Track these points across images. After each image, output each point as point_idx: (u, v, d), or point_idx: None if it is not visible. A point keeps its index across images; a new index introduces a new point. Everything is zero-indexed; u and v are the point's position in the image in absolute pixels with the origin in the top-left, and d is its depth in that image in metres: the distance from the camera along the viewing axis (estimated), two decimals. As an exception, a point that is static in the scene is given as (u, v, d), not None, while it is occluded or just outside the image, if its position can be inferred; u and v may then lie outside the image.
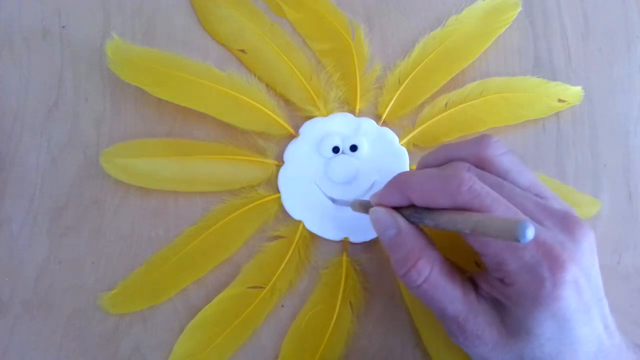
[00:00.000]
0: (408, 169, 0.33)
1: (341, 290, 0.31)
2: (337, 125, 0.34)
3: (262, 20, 0.35)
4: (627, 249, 0.34)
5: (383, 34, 0.36)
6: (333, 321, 0.31)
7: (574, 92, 0.35)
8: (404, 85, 0.34)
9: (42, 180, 0.33)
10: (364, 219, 0.33)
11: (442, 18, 0.35)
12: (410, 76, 0.34)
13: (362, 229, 0.33)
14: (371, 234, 0.33)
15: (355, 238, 0.33)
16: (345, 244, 0.33)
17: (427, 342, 0.31)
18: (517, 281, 0.23)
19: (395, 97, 0.34)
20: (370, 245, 0.33)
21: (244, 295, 0.31)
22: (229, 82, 0.33)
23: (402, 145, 0.34)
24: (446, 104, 0.34)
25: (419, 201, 0.25)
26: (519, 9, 0.36)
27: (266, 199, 0.33)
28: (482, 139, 0.26)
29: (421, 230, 0.26)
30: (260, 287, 0.31)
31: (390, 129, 0.34)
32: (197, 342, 0.31)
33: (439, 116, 0.34)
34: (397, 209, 0.27)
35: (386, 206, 0.27)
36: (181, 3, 0.36)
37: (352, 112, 0.34)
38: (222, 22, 0.35)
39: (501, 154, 0.26)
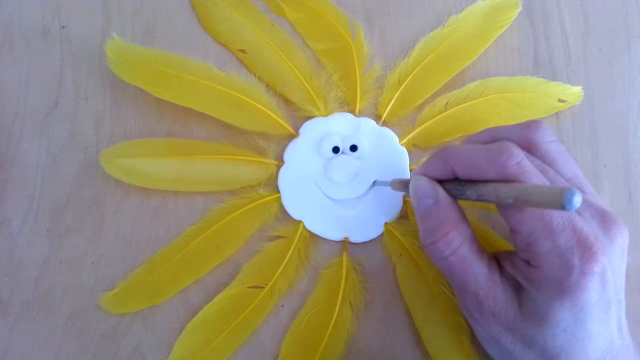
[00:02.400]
0: (408, 169, 0.33)
1: (341, 290, 0.31)
2: (337, 125, 0.34)
3: (262, 20, 0.35)
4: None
5: (383, 34, 0.36)
6: (333, 321, 0.31)
7: (574, 92, 0.35)
8: (404, 85, 0.34)
9: (42, 180, 0.33)
10: (364, 218, 0.33)
11: (442, 18, 0.35)
12: (410, 76, 0.34)
13: (362, 229, 0.33)
14: (371, 234, 0.33)
15: (355, 238, 0.33)
16: (345, 244, 0.33)
17: (427, 342, 0.31)
18: (544, 264, 0.23)
19: (395, 97, 0.34)
20: (370, 245, 0.33)
21: (244, 295, 0.31)
22: (229, 82, 0.33)
23: (402, 145, 0.34)
24: (446, 104, 0.34)
25: (463, 173, 0.25)
26: (519, 9, 0.36)
27: (266, 199, 0.33)
28: (531, 123, 0.26)
29: (458, 204, 0.26)
30: (260, 287, 0.31)
31: (390, 129, 0.34)
32: (197, 342, 0.31)
33: (439, 116, 0.34)
34: (439, 182, 0.26)
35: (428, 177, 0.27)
36: (181, 3, 0.36)
37: (352, 112, 0.34)
38: (222, 22, 0.35)
39: (550, 141, 0.26)
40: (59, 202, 0.33)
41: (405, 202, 0.33)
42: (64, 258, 0.33)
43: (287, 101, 0.34)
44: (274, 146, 0.34)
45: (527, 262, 0.24)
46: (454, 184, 0.26)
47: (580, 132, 0.35)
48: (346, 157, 0.33)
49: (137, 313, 0.32)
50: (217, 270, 0.32)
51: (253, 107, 0.33)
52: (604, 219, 0.24)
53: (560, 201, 0.18)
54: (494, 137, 0.27)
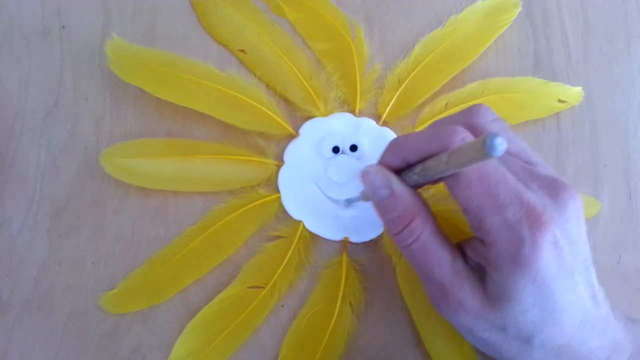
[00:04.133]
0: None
1: (341, 290, 0.31)
2: (337, 125, 0.34)
3: (262, 20, 0.35)
4: (627, 249, 0.34)
5: (383, 34, 0.36)
6: (333, 321, 0.31)
7: (574, 92, 0.35)
8: (404, 85, 0.34)
9: (42, 180, 0.33)
10: (364, 218, 0.33)
11: (442, 18, 0.35)
12: (410, 76, 0.34)
13: (362, 229, 0.33)
14: (371, 234, 0.33)
15: (355, 238, 0.33)
16: (345, 244, 0.33)
17: (427, 342, 0.31)
18: (497, 240, 0.23)
19: (395, 97, 0.34)
20: (370, 245, 0.33)
21: (244, 295, 0.31)
22: (229, 82, 0.33)
23: (402, 145, 0.34)
24: (446, 104, 0.34)
25: (413, 157, 0.25)
26: (519, 9, 0.36)
27: (266, 199, 0.33)
28: (472, 107, 0.26)
29: (415, 191, 0.26)
30: (260, 287, 0.31)
31: (390, 129, 0.34)
32: (197, 342, 0.31)
33: (439, 116, 0.34)
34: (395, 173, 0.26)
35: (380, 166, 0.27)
36: (181, 3, 0.36)
37: (352, 112, 0.34)
38: (222, 22, 0.35)
39: (492, 120, 0.26)
40: (59, 202, 0.33)
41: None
42: (64, 258, 0.33)
43: (287, 101, 0.34)
44: (274, 146, 0.34)
45: (482, 241, 0.24)
46: (407, 170, 0.26)
47: (580, 132, 0.35)
48: (346, 157, 0.33)
49: (137, 313, 0.32)
50: (217, 270, 0.32)
51: (253, 107, 0.33)
52: (553, 188, 0.24)
53: (485, 148, 0.18)
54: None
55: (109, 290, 0.32)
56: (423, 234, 0.25)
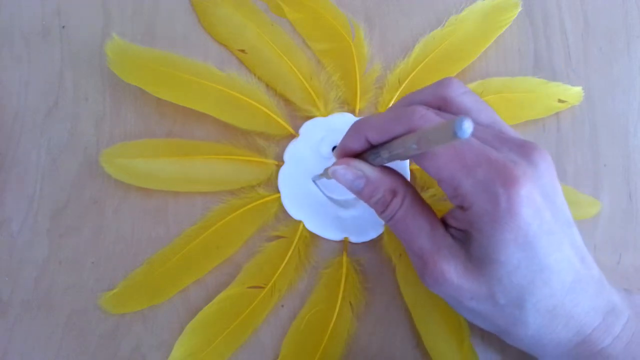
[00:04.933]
0: (408, 168, 0.33)
1: (341, 290, 0.31)
2: (337, 125, 0.34)
3: (262, 20, 0.35)
4: (627, 249, 0.34)
5: (383, 34, 0.36)
6: (333, 321, 0.31)
7: (574, 92, 0.35)
8: (404, 85, 0.34)
9: (42, 180, 0.33)
10: (364, 218, 0.33)
11: (442, 18, 0.35)
12: (410, 76, 0.34)
13: (362, 229, 0.33)
14: (371, 234, 0.33)
15: (355, 238, 0.33)
16: (345, 244, 0.33)
17: (427, 342, 0.31)
18: (473, 202, 0.23)
19: (395, 97, 0.34)
20: (370, 245, 0.33)
21: (244, 295, 0.31)
22: (229, 82, 0.33)
23: (402, 145, 0.34)
24: (446, 104, 0.34)
25: (376, 138, 0.25)
26: (519, 9, 0.36)
27: (266, 199, 0.33)
28: (443, 80, 0.27)
29: (387, 168, 0.26)
30: (260, 287, 0.31)
31: (390, 129, 0.34)
32: (197, 342, 0.31)
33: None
34: (358, 156, 0.27)
35: (345, 157, 0.27)
36: (181, 3, 0.36)
37: (352, 112, 0.34)
38: (222, 22, 0.35)
39: (462, 93, 0.26)
40: (59, 202, 0.33)
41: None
42: (64, 258, 0.33)
43: (287, 101, 0.34)
44: (274, 146, 0.34)
45: (461, 208, 0.24)
46: (370, 151, 0.26)
47: (580, 132, 0.35)
48: (346, 157, 0.33)
49: (137, 313, 0.32)
50: (217, 270, 0.32)
51: (253, 107, 0.33)
52: (524, 149, 0.24)
53: (453, 130, 0.18)
54: (410, 102, 0.27)
55: (109, 290, 0.32)
56: (402, 207, 0.25)
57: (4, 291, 0.32)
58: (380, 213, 0.27)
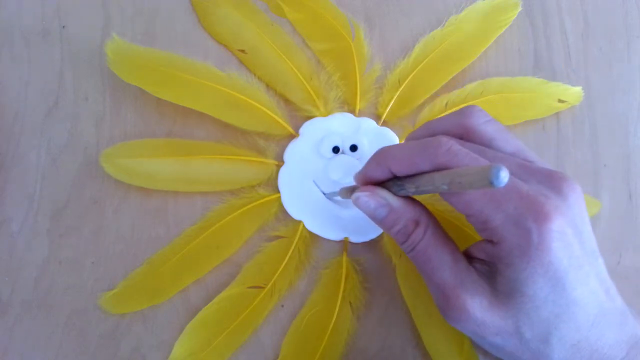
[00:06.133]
0: None
1: (341, 290, 0.31)
2: (337, 125, 0.34)
3: (262, 20, 0.35)
4: (627, 249, 0.34)
5: (383, 34, 0.36)
6: (333, 321, 0.31)
7: (574, 92, 0.35)
8: (404, 85, 0.34)
9: (42, 180, 0.33)
10: (364, 218, 0.33)
11: (442, 18, 0.35)
12: (410, 76, 0.34)
13: (362, 229, 0.33)
14: (371, 234, 0.33)
15: (355, 238, 0.33)
16: (345, 244, 0.33)
17: (427, 342, 0.31)
18: (504, 237, 0.23)
19: (395, 97, 0.34)
20: (370, 245, 0.33)
21: (244, 295, 0.31)
22: (229, 82, 0.33)
23: (402, 145, 0.34)
24: (446, 104, 0.34)
25: (399, 170, 0.25)
26: (519, 9, 0.36)
27: (266, 199, 0.33)
28: (465, 109, 0.26)
29: (410, 198, 0.26)
30: (260, 287, 0.31)
31: (390, 129, 0.34)
32: (197, 342, 0.31)
33: (439, 116, 0.34)
34: (380, 184, 0.26)
35: (369, 184, 0.27)
36: (181, 3, 0.36)
37: (352, 112, 0.34)
38: (222, 22, 0.35)
39: (485, 122, 0.26)
40: (59, 202, 0.33)
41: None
42: (64, 258, 0.33)
43: (287, 101, 0.34)
44: (274, 146, 0.34)
45: (490, 242, 0.24)
46: (394, 181, 0.26)
47: (580, 132, 0.35)
48: (346, 157, 0.33)
49: (137, 313, 0.32)
50: (217, 270, 0.32)
51: (253, 107, 0.33)
52: (553, 180, 0.24)
53: (488, 178, 0.18)
54: (432, 131, 0.27)
55: (109, 290, 0.32)
56: (424, 238, 0.25)
57: (4, 291, 0.32)
58: (402, 243, 0.26)
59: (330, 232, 0.33)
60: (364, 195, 0.26)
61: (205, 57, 0.35)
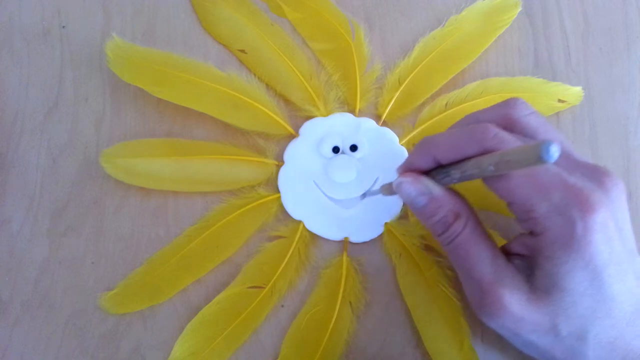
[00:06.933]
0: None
1: (341, 290, 0.31)
2: (337, 125, 0.34)
3: (262, 20, 0.35)
4: (627, 249, 0.34)
5: (383, 34, 0.36)
6: (333, 321, 0.31)
7: (574, 92, 0.35)
8: (404, 85, 0.34)
9: (42, 180, 0.33)
10: (364, 219, 0.33)
11: (442, 18, 0.35)
12: (410, 76, 0.34)
13: (362, 229, 0.33)
14: (371, 234, 0.33)
15: (355, 238, 0.33)
16: (345, 244, 0.33)
17: (427, 342, 0.31)
18: (547, 227, 0.23)
19: (395, 97, 0.34)
20: (370, 245, 0.33)
21: (244, 295, 0.31)
22: (229, 82, 0.33)
23: (402, 145, 0.34)
24: (446, 104, 0.34)
25: (445, 157, 0.24)
26: (519, 9, 0.36)
27: (266, 199, 0.33)
28: (509, 100, 0.26)
29: (452, 189, 0.26)
30: (260, 287, 0.31)
31: (390, 129, 0.34)
32: (197, 342, 0.31)
33: (439, 116, 0.34)
34: (424, 173, 0.26)
35: (412, 172, 0.26)
36: (181, 3, 0.36)
37: (352, 112, 0.34)
38: (222, 22, 0.35)
39: (528, 114, 0.26)
40: (59, 202, 0.33)
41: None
42: (64, 258, 0.33)
43: (287, 101, 0.34)
44: (274, 146, 0.34)
45: (532, 233, 0.24)
46: (439, 169, 0.25)
47: (580, 132, 0.35)
48: (346, 157, 0.33)
49: (137, 313, 0.32)
50: (217, 270, 0.32)
51: (253, 107, 0.33)
52: (596, 174, 0.24)
53: (539, 154, 0.17)
54: (475, 121, 0.27)
55: (109, 290, 0.32)
56: (464, 231, 0.25)
57: (4, 291, 0.32)
58: (439, 235, 0.25)
59: (330, 232, 0.33)
60: (406, 182, 0.26)
61: (205, 57, 0.35)
